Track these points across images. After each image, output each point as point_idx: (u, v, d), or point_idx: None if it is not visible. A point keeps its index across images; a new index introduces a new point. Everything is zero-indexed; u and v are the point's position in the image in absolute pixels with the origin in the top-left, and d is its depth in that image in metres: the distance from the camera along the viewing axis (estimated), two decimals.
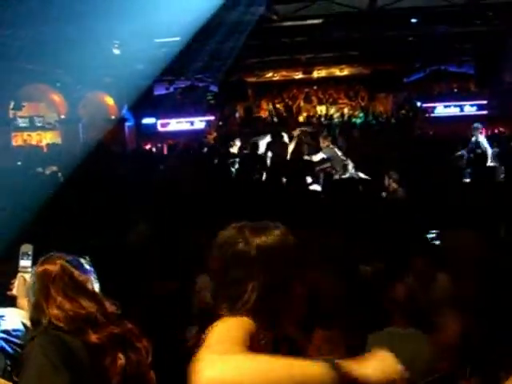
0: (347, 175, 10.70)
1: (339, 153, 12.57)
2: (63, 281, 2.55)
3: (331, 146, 12.89)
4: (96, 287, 2.69)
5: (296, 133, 13.85)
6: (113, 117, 23.45)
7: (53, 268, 2.58)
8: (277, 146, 13.33)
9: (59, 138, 21.92)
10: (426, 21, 14.32)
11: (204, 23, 12.23)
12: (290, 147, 12.91)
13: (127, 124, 24.71)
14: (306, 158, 12.35)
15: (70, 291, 2.53)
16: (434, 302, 4.66)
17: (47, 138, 21.84)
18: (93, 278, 2.69)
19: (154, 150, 22.00)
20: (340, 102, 27.53)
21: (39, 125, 21.71)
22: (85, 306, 2.50)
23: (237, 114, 26.20)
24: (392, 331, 3.99)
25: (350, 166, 11.16)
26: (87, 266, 2.71)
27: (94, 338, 2.43)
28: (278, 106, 27.19)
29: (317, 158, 12.58)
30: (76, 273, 2.61)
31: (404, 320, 4.03)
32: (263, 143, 13.91)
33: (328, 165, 11.20)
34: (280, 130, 14.91)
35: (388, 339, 3.85)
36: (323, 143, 12.97)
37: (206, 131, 23.66)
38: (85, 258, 2.75)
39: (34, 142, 21.44)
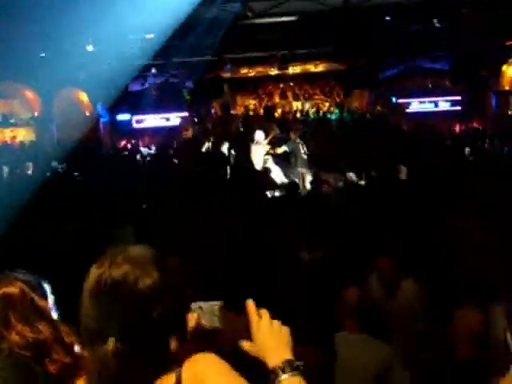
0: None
1: (302, 149, 12.70)
2: (24, 306, 2.39)
3: (298, 140, 13.00)
4: (54, 314, 2.55)
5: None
6: (87, 113, 23.26)
7: (13, 291, 2.40)
8: (240, 147, 13.30)
9: (33, 136, 21.70)
10: (401, 17, 14.42)
11: (180, 20, 12.22)
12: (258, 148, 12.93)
13: (102, 120, 24.52)
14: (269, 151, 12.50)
15: (30, 317, 2.38)
16: (396, 310, 4.66)
17: (21, 136, 21.61)
18: (51, 302, 2.56)
19: (128, 145, 21.91)
20: (315, 97, 27.55)
21: (12, 121, 21.48)
22: (44, 333, 2.36)
23: (212, 111, 26.11)
24: (342, 337, 3.97)
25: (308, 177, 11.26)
26: (46, 288, 2.57)
27: (51, 366, 2.32)
28: (253, 102, 27.15)
29: (280, 150, 12.74)
30: (36, 297, 2.45)
31: (355, 325, 4.00)
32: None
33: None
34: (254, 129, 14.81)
35: (339, 344, 3.85)
36: (292, 136, 13.10)
37: (182, 127, 23.55)
38: (44, 281, 2.58)
39: (7, 139, 21.22)
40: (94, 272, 1.61)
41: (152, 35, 13.60)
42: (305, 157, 12.58)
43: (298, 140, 13.02)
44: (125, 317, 1.55)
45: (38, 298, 2.45)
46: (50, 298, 2.56)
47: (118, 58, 16.82)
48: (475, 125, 21.77)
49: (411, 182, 9.89)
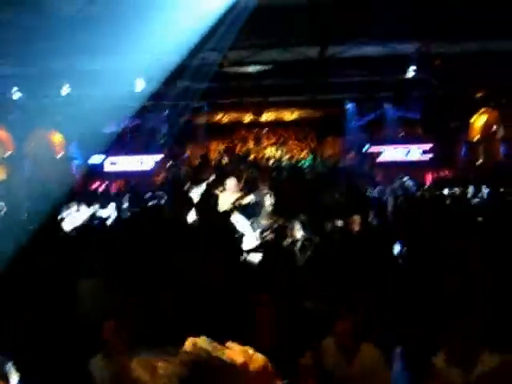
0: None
1: (268, 201, 12.65)
2: None
3: (265, 190, 12.96)
4: None
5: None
6: (60, 154, 23.16)
7: None
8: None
9: (4, 175, 21.49)
10: (374, 69, 14.70)
11: (160, 67, 12.35)
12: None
13: (75, 162, 24.40)
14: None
15: None
16: (354, 377, 4.51)
17: None
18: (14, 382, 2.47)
19: (100, 189, 21.77)
20: (289, 144, 27.79)
21: None
22: None
23: (186, 155, 26.17)
24: None
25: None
26: (9, 368, 2.47)
27: None
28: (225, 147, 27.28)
29: (246, 200, 12.68)
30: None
31: None
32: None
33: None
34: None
35: None
36: (260, 185, 13.09)
37: (154, 172, 23.52)
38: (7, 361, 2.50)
39: None
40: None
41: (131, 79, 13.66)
42: (269, 208, 12.51)
43: (266, 190, 13.00)
44: None
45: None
46: (14, 379, 2.46)
47: (93, 100, 16.85)
48: (446, 173, 22.09)
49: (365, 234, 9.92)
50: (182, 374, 1.65)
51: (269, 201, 12.74)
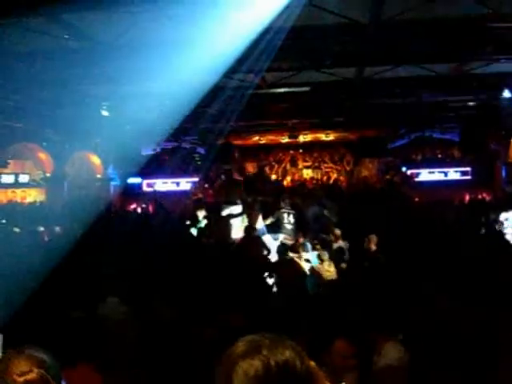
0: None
1: (288, 219, 12.61)
2: None
3: (285, 209, 12.93)
4: None
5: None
6: (99, 176, 23.49)
7: (34, 377, 2.25)
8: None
9: (44, 196, 21.86)
10: (411, 90, 14.63)
11: (198, 90, 12.46)
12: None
13: (113, 183, 24.71)
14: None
15: None
16: None
17: (32, 196, 21.77)
18: None
19: (138, 209, 21.98)
20: (325, 165, 27.77)
21: (23, 181, 21.67)
22: None
23: (222, 177, 26.30)
24: None
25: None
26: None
27: None
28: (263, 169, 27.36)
29: (268, 221, 12.61)
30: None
31: None
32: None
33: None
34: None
35: None
36: (282, 204, 13.07)
37: (191, 193, 23.68)
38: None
39: (18, 199, 21.38)
40: (249, 363, 1.59)
41: (168, 101, 13.82)
42: (289, 226, 12.47)
43: (285, 209, 12.97)
44: None
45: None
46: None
47: (131, 122, 17.09)
48: (484, 195, 21.78)
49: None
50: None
51: (287, 219, 12.75)
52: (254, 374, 1.56)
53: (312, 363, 1.67)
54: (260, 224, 12.40)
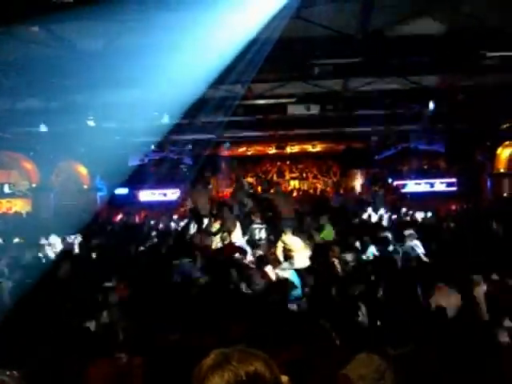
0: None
1: (259, 235, 12.48)
2: None
3: (256, 225, 12.75)
4: None
5: None
6: (85, 186, 23.40)
7: None
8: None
9: (29, 206, 21.72)
10: (398, 102, 14.71)
11: (185, 102, 12.48)
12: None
13: (99, 194, 24.64)
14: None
15: None
16: None
17: (18, 206, 21.64)
18: None
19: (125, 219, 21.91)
20: (312, 176, 27.82)
21: (9, 191, 21.54)
22: None
23: (210, 187, 26.26)
24: None
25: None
26: None
27: None
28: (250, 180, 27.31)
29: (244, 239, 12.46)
30: None
31: None
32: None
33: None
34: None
35: None
36: (254, 218, 12.98)
37: (178, 203, 23.61)
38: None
39: (4, 209, 21.25)
40: (220, 374, 1.62)
41: (155, 113, 13.80)
42: (262, 242, 12.28)
43: (257, 225, 12.78)
44: None
45: None
46: None
47: (118, 133, 17.06)
48: (470, 206, 21.89)
49: None
50: None
51: (259, 235, 12.60)
52: None
53: (284, 377, 1.71)
54: (240, 241, 12.25)
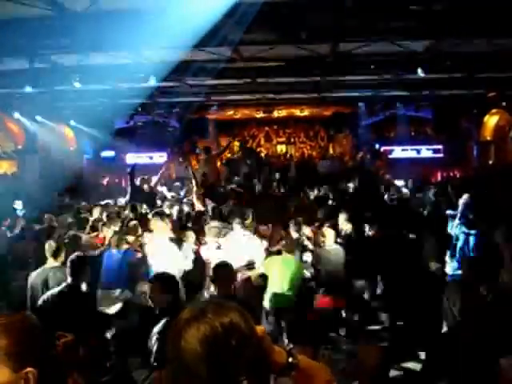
0: None
1: None
2: None
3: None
4: None
5: None
6: (71, 148, 23.25)
7: None
8: None
9: (15, 168, 21.58)
10: (386, 66, 14.65)
11: (170, 63, 12.38)
12: None
13: (86, 156, 24.53)
14: None
15: None
16: None
17: (3, 168, 21.48)
18: None
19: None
20: (299, 141, 27.79)
21: None
22: None
23: (197, 150, 26.23)
24: None
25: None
26: None
27: None
28: (237, 144, 27.26)
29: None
30: None
31: None
32: None
33: None
34: None
35: None
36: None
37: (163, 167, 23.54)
38: None
39: None
40: (196, 327, 1.66)
41: (142, 75, 13.65)
42: None
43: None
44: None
45: None
46: None
47: (104, 95, 16.91)
48: (456, 173, 22.03)
49: None
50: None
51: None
52: (202, 336, 1.63)
53: (259, 328, 1.77)
54: None
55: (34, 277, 6.85)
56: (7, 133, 21.38)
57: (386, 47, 12.75)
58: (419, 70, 13.97)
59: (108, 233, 9.37)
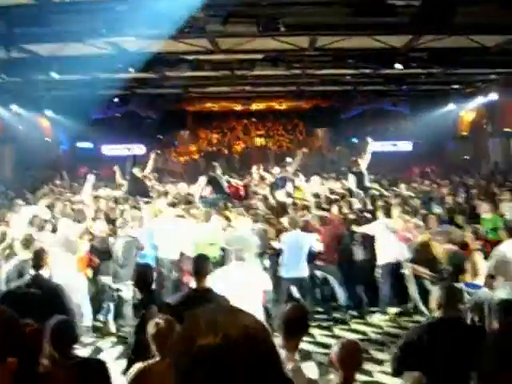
0: None
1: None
2: None
3: None
4: None
5: None
6: (48, 139, 23.01)
7: None
8: None
9: None
10: (364, 61, 14.68)
11: (148, 54, 12.32)
12: None
13: (61, 147, 24.32)
14: None
15: None
16: None
17: None
18: None
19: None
20: (278, 134, 27.77)
21: None
22: None
23: (176, 143, 26.16)
24: None
25: None
26: None
27: None
28: (216, 136, 27.24)
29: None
30: None
31: None
32: None
33: None
34: None
35: None
36: None
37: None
38: None
39: None
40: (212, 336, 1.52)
41: (120, 65, 13.53)
42: None
43: None
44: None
45: None
46: None
47: (82, 85, 16.75)
48: (432, 167, 22.16)
49: None
50: None
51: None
52: (217, 346, 1.48)
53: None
54: None
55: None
56: None
57: (364, 42, 12.79)
58: (397, 65, 14.03)
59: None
